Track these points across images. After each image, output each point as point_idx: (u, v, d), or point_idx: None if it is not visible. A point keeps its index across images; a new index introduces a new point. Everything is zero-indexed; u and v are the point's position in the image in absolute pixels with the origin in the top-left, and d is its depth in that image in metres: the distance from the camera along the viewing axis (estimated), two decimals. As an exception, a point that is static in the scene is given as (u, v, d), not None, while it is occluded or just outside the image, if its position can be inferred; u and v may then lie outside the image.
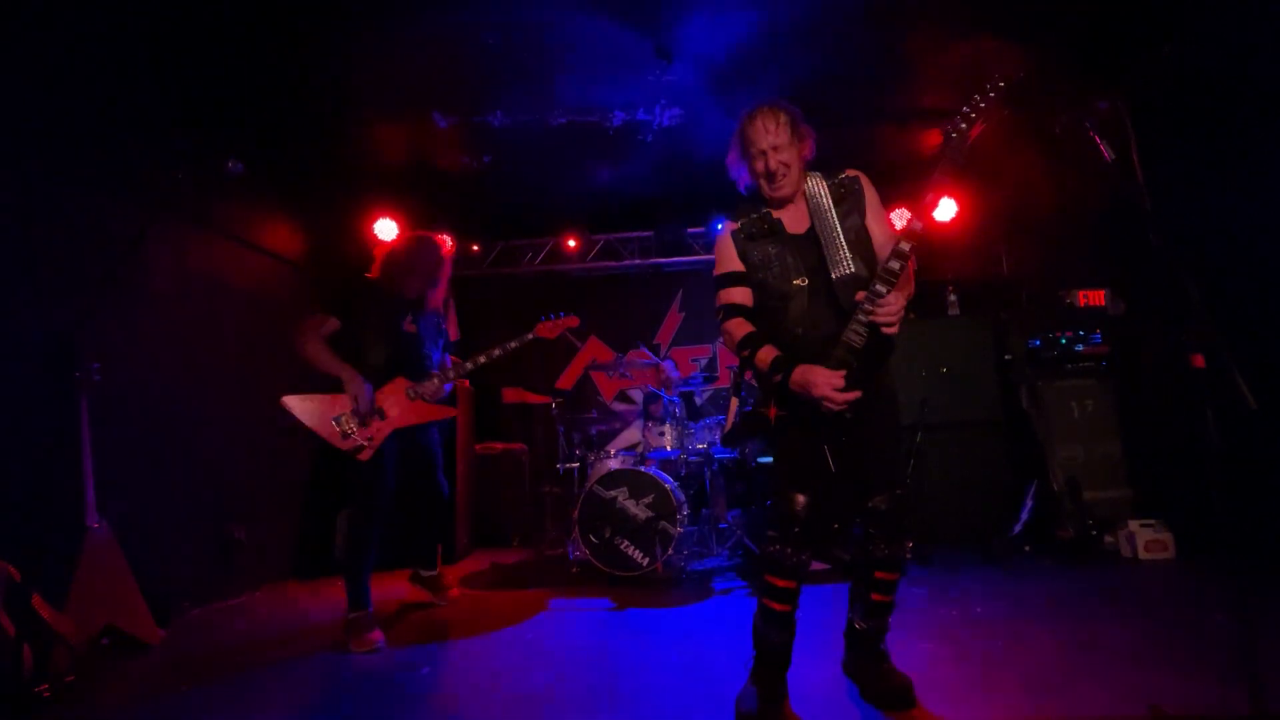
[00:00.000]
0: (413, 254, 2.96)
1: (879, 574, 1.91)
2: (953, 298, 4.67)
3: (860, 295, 1.76)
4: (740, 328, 1.91)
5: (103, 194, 3.12)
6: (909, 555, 1.94)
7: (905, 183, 4.18)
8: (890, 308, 1.71)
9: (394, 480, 2.87)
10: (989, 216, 5.03)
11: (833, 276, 1.82)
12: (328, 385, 2.81)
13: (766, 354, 1.84)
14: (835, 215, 1.88)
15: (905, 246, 1.72)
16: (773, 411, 1.87)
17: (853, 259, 1.83)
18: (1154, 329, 3.95)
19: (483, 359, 3.00)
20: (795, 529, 1.81)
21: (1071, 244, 4.52)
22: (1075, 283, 4.20)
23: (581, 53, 3.55)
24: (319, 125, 4.12)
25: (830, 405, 1.73)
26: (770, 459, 3.26)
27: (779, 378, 1.80)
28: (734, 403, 2.60)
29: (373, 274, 2.97)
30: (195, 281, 3.71)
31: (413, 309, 2.98)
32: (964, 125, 1.77)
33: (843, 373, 1.72)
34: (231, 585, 3.70)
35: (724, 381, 5.41)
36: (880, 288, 1.72)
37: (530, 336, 3.12)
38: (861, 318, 1.73)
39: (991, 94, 1.77)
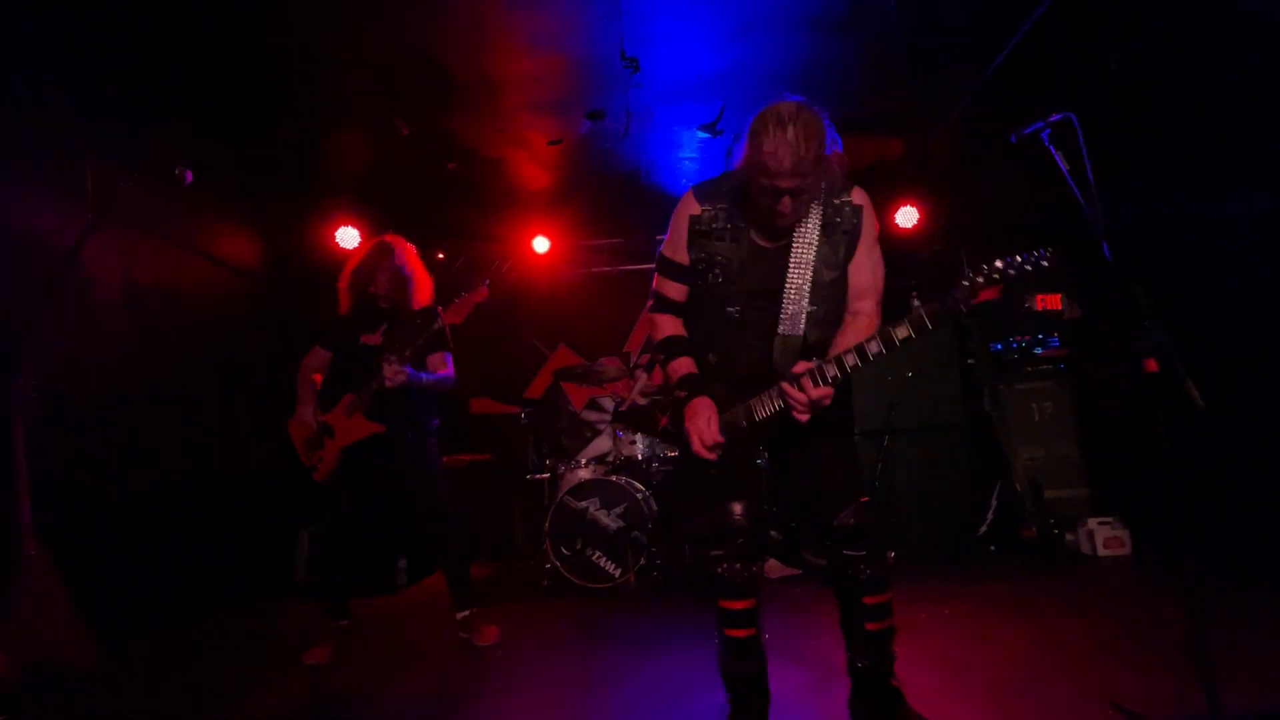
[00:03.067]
0: (363, 262, 2.88)
1: (867, 599, 1.68)
2: (916, 303, 4.76)
3: (800, 367, 1.59)
4: (666, 326, 1.83)
5: (42, 200, 2.97)
6: (891, 568, 1.72)
7: (869, 188, 4.26)
8: (807, 396, 1.54)
9: (354, 501, 2.83)
10: (949, 223, 5.15)
11: (779, 331, 1.66)
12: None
13: (680, 366, 1.75)
14: (816, 250, 1.66)
15: (850, 360, 1.56)
16: (663, 421, 1.83)
17: (810, 312, 1.66)
18: (1108, 332, 4.09)
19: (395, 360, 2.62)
20: (739, 540, 1.65)
21: (1029, 248, 4.64)
22: (1033, 287, 4.33)
23: (547, 59, 3.54)
24: (277, 131, 4.02)
25: (693, 444, 1.64)
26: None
27: (682, 394, 1.71)
28: (641, 377, 2.43)
29: (340, 299, 2.92)
30: (144, 292, 3.55)
31: (387, 319, 2.84)
32: (980, 280, 1.53)
33: (720, 440, 1.63)
34: (182, 609, 3.53)
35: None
36: (827, 372, 1.56)
37: (437, 325, 2.65)
38: (778, 400, 1.61)
39: (1027, 265, 1.52)
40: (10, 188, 2.85)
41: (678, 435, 1.76)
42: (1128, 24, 3.19)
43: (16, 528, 2.50)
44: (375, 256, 2.86)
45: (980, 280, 1.53)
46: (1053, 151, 1.83)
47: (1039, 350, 4.21)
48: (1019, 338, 4.22)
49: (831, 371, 1.57)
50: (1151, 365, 1.67)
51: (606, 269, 5.64)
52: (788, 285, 1.66)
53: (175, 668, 2.80)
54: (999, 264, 1.53)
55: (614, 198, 5.16)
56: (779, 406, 1.62)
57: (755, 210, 1.66)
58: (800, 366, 1.60)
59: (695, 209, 1.74)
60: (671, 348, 1.78)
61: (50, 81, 3.05)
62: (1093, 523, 3.73)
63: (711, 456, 1.64)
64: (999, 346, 4.23)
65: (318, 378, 2.93)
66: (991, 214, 4.76)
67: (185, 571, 3.60)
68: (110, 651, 2.69)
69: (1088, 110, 3.49)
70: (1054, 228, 4.25)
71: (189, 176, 2.45)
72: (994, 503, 3.90)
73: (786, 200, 1.57)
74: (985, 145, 4.11)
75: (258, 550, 4.22)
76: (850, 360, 1.57)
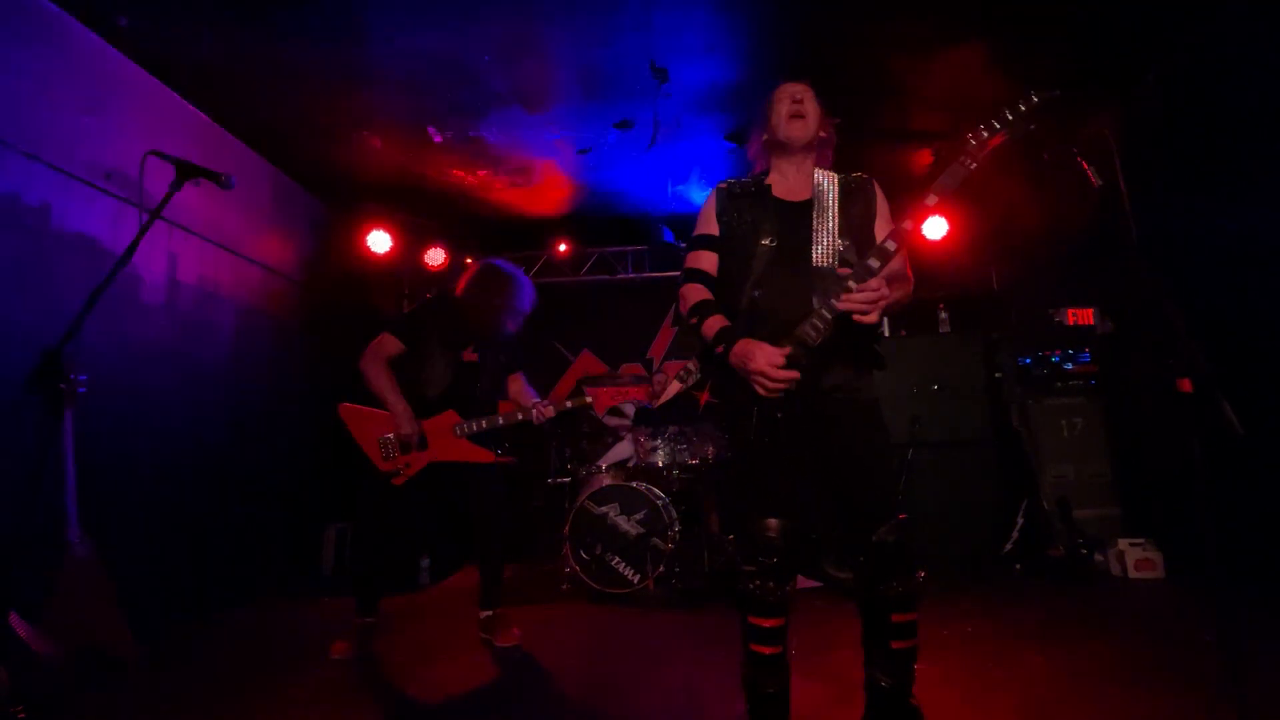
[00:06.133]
0: (503, 291, 2.89)
1: (895, 616, 1.66)
2: (943, 315, 4.70)
3: (842, 270, 1.62)
4: (696, 293, 1.80)
5: (95, 202, 3.10)
6: (920, 587, 1.67)
7: (894, 201, 4.24)
8: (864, 295, 1.54)
9: (410, 508, 2.88)
10: (979, 235, 5.09)
11: (812, 263, 1.69)
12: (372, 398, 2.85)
13: (714, 322, 1.71)
14: (837, 203, 1.76)
15: (891, 245, 1.61)
16: (703, 398, 1.77)
17: (841, 249, 1.69)
18: (1142, 348, 3.99)
19: (551, 409, 3.01)
20: (773, 559, 1.64)
21: (1061, 263, 4.57)
22: (1065, 301, 4.25)
23: (578, 70, 3.60)
24: (315, 138, 4.14)
25: (763, 382, 1.57)
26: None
27: (720, 349, 1.66)
28: (675, 385, 2.44)
29: (458, 292, 2.90)
30: (187, 292, 3.69)
31: (481, 338, 2.92)
32: (985, 134, 1.62)
33: (787, 351, 1.58)
34: (217, 601, 3.64)
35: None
36: (872, 263, 1.58)
37: (588, 400, 3.22)
38: (825, 313, 1.58)
39: (1022, 107, 1.61)
40: (64, 189, 2.98)
41: (722, 405, 1.71)
42: (1166, 35, 3.13)
43: (63, 517, 2.60)
44: (522, 296, 2.97)
45: (985, 133, 1.59)
46: (1085, 167, 1.81)
47: (1069, 365, 4.13)
48: (1049, 352, 4.14)
49: (873, 262, 1.58)
50: (1185, 386, 1.63)
51: (631, 275, 5.68)
52: (816, 227, 1.74)
53: (204, 659, 2.88)
54: (1005, 114, 1.60)
55: (640, 204, 5.20)
56: (828, 319, 1.59)
57: (779, 125, 1.81)
58: (843, 271, 1.61)
59: (723, 185, 1.89)
60: (703, 309, 1.76)
61: (109, 90, 3.19)
62: (1123, 544, 3.64)
63: (793, 375, 1.56)
64: (1028, 360, 4.16)
65: None
66: (1023, 225, 4.68)
67: (216, 565, 3.71)
68: (144, 642, 2.78)
69: (1123, 125, 3.44)
70: (1087, 240, 4.19)
71: (233, 182, 2.54)
72: (1020, 520, 3.82)
73: (803, 101, 1.80)
74: (1017, 158, 4.06)
75: (286, 545, 4.33)
76: (890, 245, 1.60)
